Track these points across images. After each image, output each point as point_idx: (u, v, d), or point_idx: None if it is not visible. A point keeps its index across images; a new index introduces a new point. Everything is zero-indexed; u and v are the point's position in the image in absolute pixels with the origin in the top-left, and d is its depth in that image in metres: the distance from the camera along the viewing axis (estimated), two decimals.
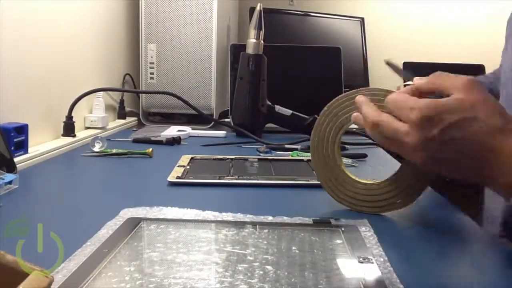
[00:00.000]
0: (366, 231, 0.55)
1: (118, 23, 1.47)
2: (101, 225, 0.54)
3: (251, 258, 0.47)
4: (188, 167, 0.87)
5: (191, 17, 1.40)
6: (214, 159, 0.97)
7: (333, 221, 0.58)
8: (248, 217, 0.60)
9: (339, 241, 0.52)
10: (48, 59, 1.06)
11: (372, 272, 0.44)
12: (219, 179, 0.79)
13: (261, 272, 0.44)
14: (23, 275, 0.32)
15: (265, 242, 0.52)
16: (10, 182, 0.71)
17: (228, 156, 0.98)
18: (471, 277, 0.48)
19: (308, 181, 0.78)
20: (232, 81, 1.60)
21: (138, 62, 1.46)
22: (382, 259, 0.47)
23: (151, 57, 1.42)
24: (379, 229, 0.56)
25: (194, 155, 0.98)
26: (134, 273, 0.43)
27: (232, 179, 0.79)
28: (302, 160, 0.97)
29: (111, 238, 0.51)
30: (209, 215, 0.60)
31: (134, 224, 0.55)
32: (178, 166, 0.87)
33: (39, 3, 1.01)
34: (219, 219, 0.59)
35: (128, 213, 0.59)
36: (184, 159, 0.93)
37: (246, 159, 0.97)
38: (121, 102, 1.45)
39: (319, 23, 2.05)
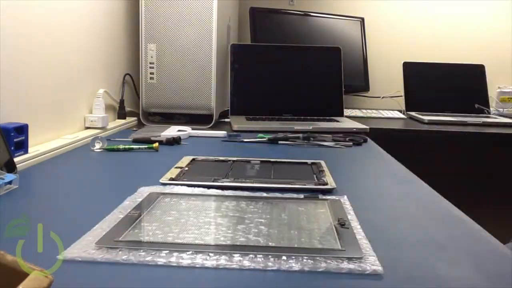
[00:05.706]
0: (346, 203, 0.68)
1: (118, 23, 1.47)
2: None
3: (248, 221, 0.59)
4: (186, 168, 0.87)
5: (191, 17, 1.40)
6: (215, 160, 0.95)
7: (320, 196, 0.72)
8: (246, 193, 0.72)
9: (322, 210, 0.65)
10: (48, 59, 1.06)
11: (346, 231, 0.56)
12: (213, 181, 0.77)
13: (255, 230, 0.55)
14: (23, 275, 0.32)
15: (260, 210, 0.64)
16: (10, 182, 0.71)
17: (230, 158, 0.96)
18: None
19: (305, 185, 0.76)
20: (232, 81, 1.60)
21: (138, 62, 1.46)
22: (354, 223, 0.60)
23: (151, 57, 1.42)
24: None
25: (196, 156, 0.97)
26: (156, 230, 0.55)
27: (226, 181, 0.77)
28: (305, 163, 0.94)
29: (138, 206, 0.64)
30: (213, 191, 0.72)
31: (155, 197, 0.69)
32: (175, 168, 0.87)
33: (39, 3, 1.01)
34: (221, 194, 0.71)
35: (146, 189, 0.73)
36: (185, 160, 0.93)
37: (248, 161, 0.94)
38: (121, 102, 1.45)
39: (319, 23, 2.05)
